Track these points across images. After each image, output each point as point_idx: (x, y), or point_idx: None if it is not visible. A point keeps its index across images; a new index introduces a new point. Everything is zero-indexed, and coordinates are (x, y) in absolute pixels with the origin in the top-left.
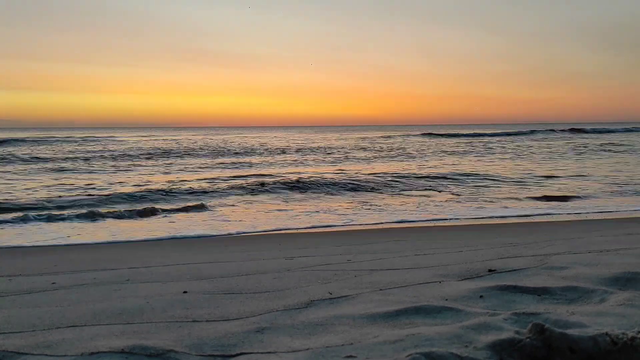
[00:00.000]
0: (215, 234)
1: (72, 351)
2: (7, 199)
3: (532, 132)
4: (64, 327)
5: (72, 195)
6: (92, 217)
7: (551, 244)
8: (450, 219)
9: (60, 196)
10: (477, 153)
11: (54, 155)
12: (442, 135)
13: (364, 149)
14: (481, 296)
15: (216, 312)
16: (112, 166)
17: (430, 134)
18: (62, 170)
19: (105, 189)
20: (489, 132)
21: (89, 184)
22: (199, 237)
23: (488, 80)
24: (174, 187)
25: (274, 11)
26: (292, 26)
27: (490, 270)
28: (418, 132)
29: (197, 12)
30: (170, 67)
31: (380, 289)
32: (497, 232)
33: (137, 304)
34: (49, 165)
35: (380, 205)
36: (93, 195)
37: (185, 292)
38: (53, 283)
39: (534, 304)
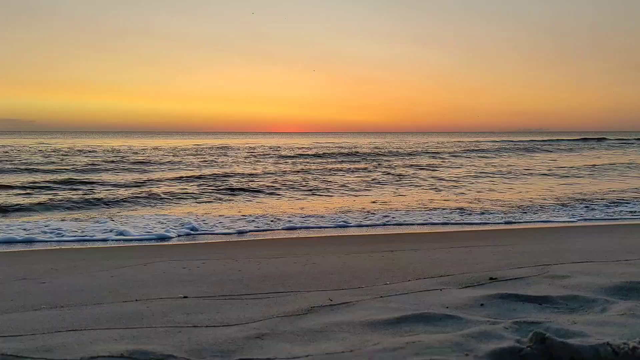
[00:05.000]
0: None
1: (72, 355)
2: None
3: None
4: (64, 331)
5: None
6: None
7: (552, 252)
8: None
9: None
10: None
11: None
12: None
13: None
14: (482, 304)
15: (216, 317)
16: None
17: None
18: None
19: None
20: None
21: None
22: None
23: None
24: None
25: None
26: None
27: (491, 279)
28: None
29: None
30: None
31: (381, 296)
32: (498, 240)
33: (137, 309)
34: None
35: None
36: None
37: (185, 297)
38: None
39: (535, 313)
